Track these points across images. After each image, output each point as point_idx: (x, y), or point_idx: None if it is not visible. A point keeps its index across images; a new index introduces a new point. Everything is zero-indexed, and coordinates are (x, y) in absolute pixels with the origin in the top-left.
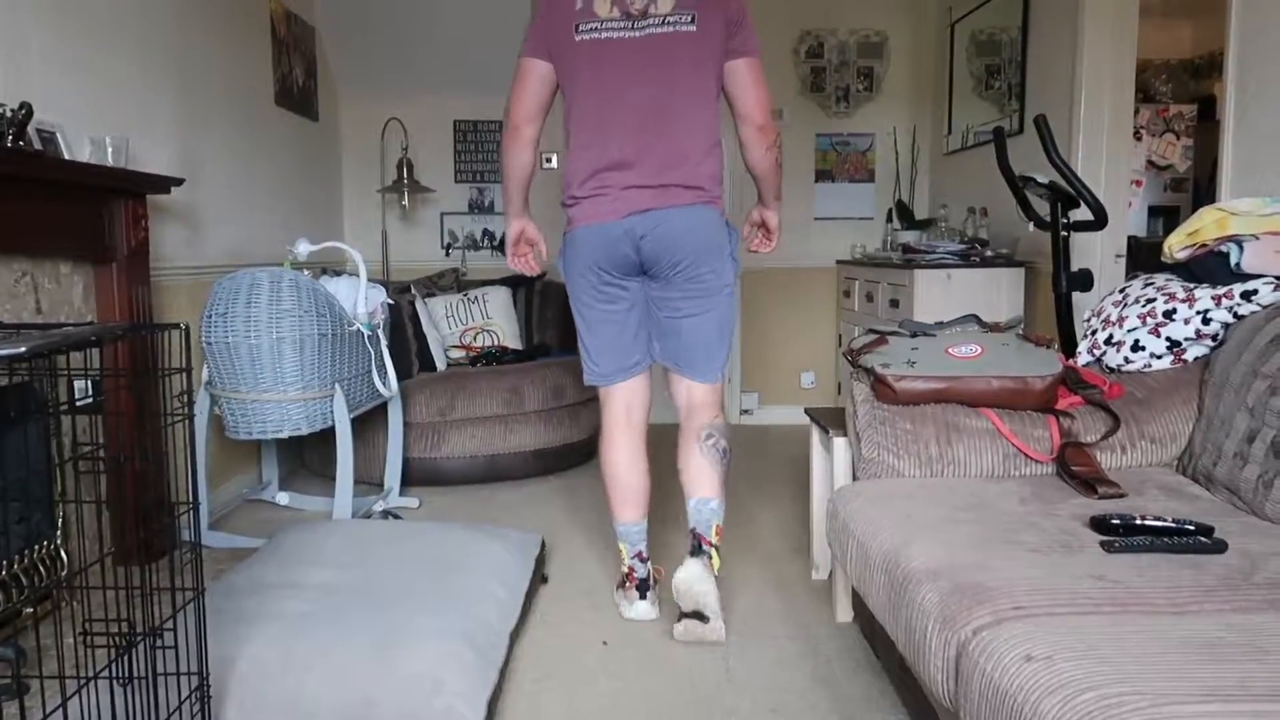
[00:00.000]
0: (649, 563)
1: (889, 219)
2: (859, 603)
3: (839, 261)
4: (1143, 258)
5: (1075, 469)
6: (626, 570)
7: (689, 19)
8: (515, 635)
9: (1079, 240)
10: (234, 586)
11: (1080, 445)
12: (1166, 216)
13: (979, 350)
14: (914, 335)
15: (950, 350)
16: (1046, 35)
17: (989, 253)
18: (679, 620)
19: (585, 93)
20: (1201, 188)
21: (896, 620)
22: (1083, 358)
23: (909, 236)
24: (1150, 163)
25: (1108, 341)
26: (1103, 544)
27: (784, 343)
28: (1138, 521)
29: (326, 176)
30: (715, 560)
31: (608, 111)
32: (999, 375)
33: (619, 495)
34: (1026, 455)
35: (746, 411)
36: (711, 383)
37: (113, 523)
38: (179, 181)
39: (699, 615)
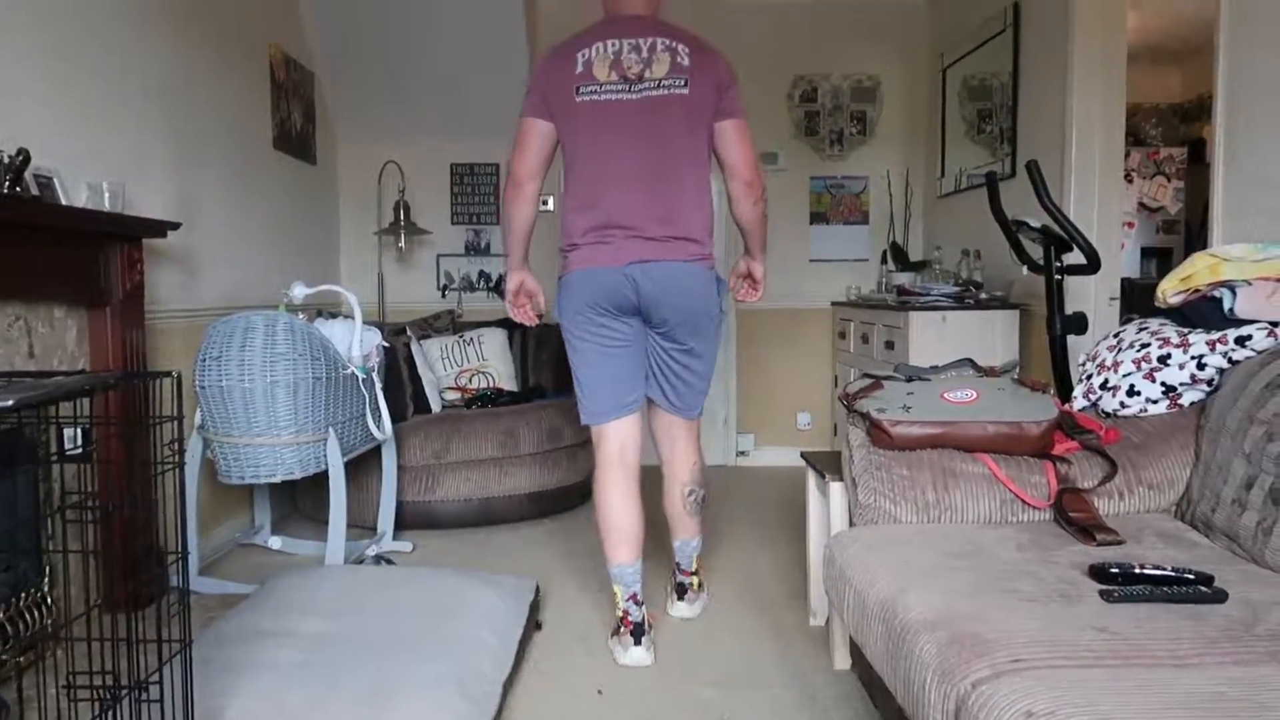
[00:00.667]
0: (644, 606)
1: (883, 261)
2: (857, 650)
3: (834, 303)
4: (1136, 300)
5: (1073, 515)
6: (621, 614)
7: (683, 83)
8: (509, 684)
9: (1073, 283)
10: (224, 634)
11: (1077, 491)
12: (1159, 258)
13: (974, 395)
14: (909, 380)
15: (946, 395)
16: (1037, 80)
17: (983, 295)
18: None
19: (585, 151)
20: (1193, 229)
21: (895, 671)
22: (1078, 402)
23: (904, 278)
24: (1142, 204)
25: (1103, 386)
26: (1102, 593)
27: (780, 384)
28: (1137, 570)
29: (324, 219)
30: (696, 581)
31: (606, 169)
32: (994, 420)
33: (612, 537)
34: (1024, 501)
35: (743, 453)
36: (693, 419)
37: (101, 571)
38: (175, 226)
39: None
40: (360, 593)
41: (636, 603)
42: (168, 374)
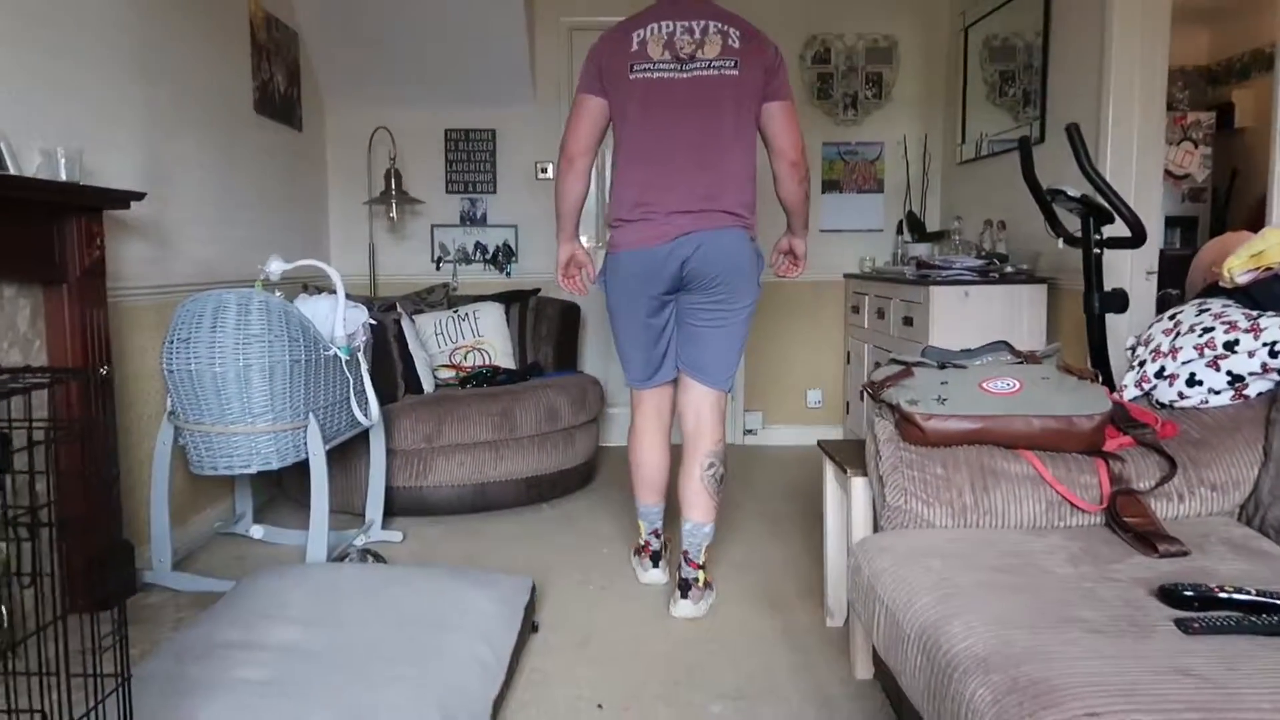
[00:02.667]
0: (663, 537)
1: (899, 231)
2: (880, 658)
3: (847, 275)
4: (1164, 272)
5: (1128, 520)
6: (644, 544)
7: (732, 64)
8: (500, 702)
9: (1106, 256)
10: (185, 647)
11: (1132, 493)
12: (1184, 228)
13: (1017, 386)
14: (942, 366)
15: (985, 385)
16: (1070, 40)
17: (1009, 268)
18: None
19: (635, 127)
20: (1220, 197)
21: (939, 712)
22: (1129, 391)
23: (921, 250)
24: (1167, 172)
25: (1159, 374)
26: (1178, 623)
27: (789, 360)
28: (1216, 593)
29: (311, 188)
30: (703, 577)
31: (656, 144)
32: (1040, 414)
33: (643, 481)
34: (1073, 505)
35: (750, 431)
36: (720, 389)
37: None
38: (139, 196)
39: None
40: (339, 597)
41: (657, 536)
42: (83, 373)
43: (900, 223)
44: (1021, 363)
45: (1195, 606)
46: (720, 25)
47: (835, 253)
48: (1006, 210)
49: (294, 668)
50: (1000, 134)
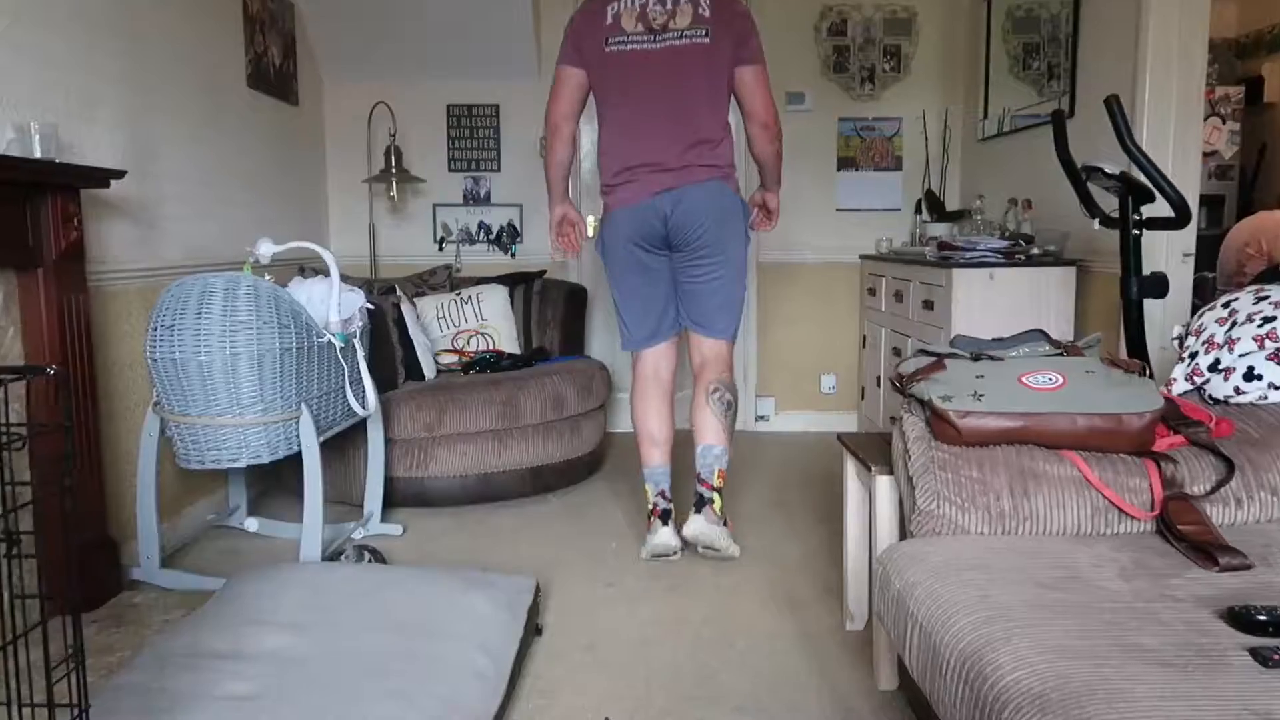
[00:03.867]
0: (670, 501)
1: (917, 211)
2: (905, 668)
3: (863, 256)
4: (1196, 254)
5: (1183, 529)
6: (652, 506)
7: (704, 32)
8: (500, 717)
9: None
10: (166, 656)
11: (1186, 498)
12: (1211, 206)
13: (1060, 380)
14: (976, 358)
15: (1024, 379)
16: (1103, 8)
17: (1035, 250)
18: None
19: (614, 96)
20: (1248, 175)
21: None
22: (1178, 385)
23: (940, 230)
24: None
25: (1213, 368)
26: (1254, 653)
27: (802, 344)
28: None
29: (308, 166)
30: (717, 502)
31: (633, 112)
32: (1086, 412)
33: (646, 442)
34: (1122, 511)
35: (762, 418)
36: (723, 339)
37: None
38: (119, 174)
39: (712, 548)
40: (330, 601)
41: (665, 497)
42: (42, 370)
43: (919, 202)
44: (1061, 354)
45: (1269, 632)
46: None
47: (850, 233)
48: (1031, 188)
49: (280, 681)
50: (1023, 109)
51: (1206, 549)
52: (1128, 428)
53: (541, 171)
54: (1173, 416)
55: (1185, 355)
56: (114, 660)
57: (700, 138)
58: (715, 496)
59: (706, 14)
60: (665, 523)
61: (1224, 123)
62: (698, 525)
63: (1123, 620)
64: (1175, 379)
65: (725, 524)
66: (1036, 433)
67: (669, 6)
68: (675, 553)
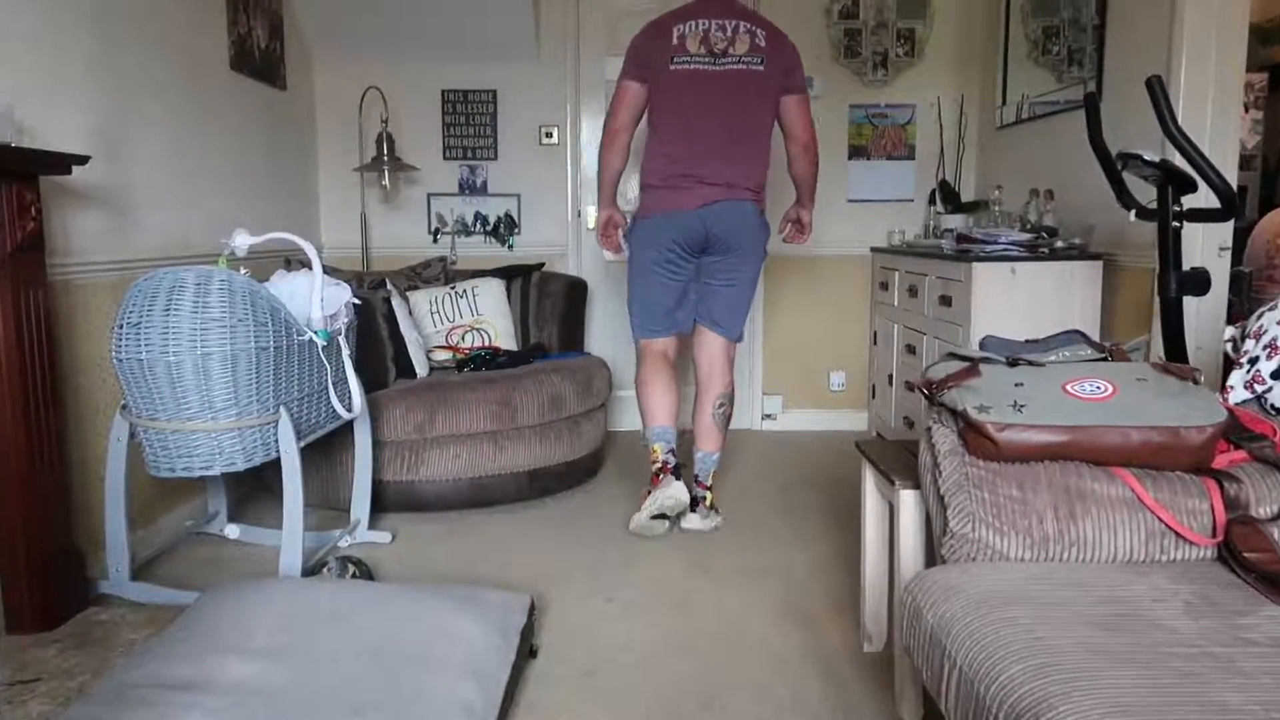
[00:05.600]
0: (678, 458)
1: (931, 202)
2: (929, 699)
3: (874, 249)
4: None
5: (1249, 556)
6: (661, 464)
7: (759, 61)
8: None
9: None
10: (124, 687)
11: (1252, 521)
12: None
13: (1109, 389)
14: (1012, 363)
15: (1069, 388)
16: None
17: (1059, 243)
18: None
19: (671, 109)
20: (1271, 165)
21: None
22: (1236, 394)
23: (955, 221)
24: None
25: (1276, 374)
26: None
27: (811, 340)
28: None
29: (297, 154)
30: (709, 499)
31: (689, 126)
32: (1140, 424)
33: (653, 409)
34: (1180, 536)
35: (769, 416)
36: (731, 339)
37: None
38: (82, 160)
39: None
40: (308, 624)
41: (673, 454)
42: None
43: (932, 193)
44: (1105, 358)
45: None
46: (749, 26)
47: (861, 225)
48: (1053, 178)
49: (243, 717)
50: (1041, 95)
51: (1277, 580)
52: (1186, 442)
53: (541, 160)
54: (1233, 429)
55: (1243, 360)
56: (74, 686)
57: (748, 159)
58: (708, 495)
59: (762, 44)
60: (677, 476)
61: (1246, 111)
62: (694, 522)
63: (1198, 670)
64: (1233, 387)
65: (713, 509)
66: (1084, 448)
67: (729, 34)
68: (684, 508)
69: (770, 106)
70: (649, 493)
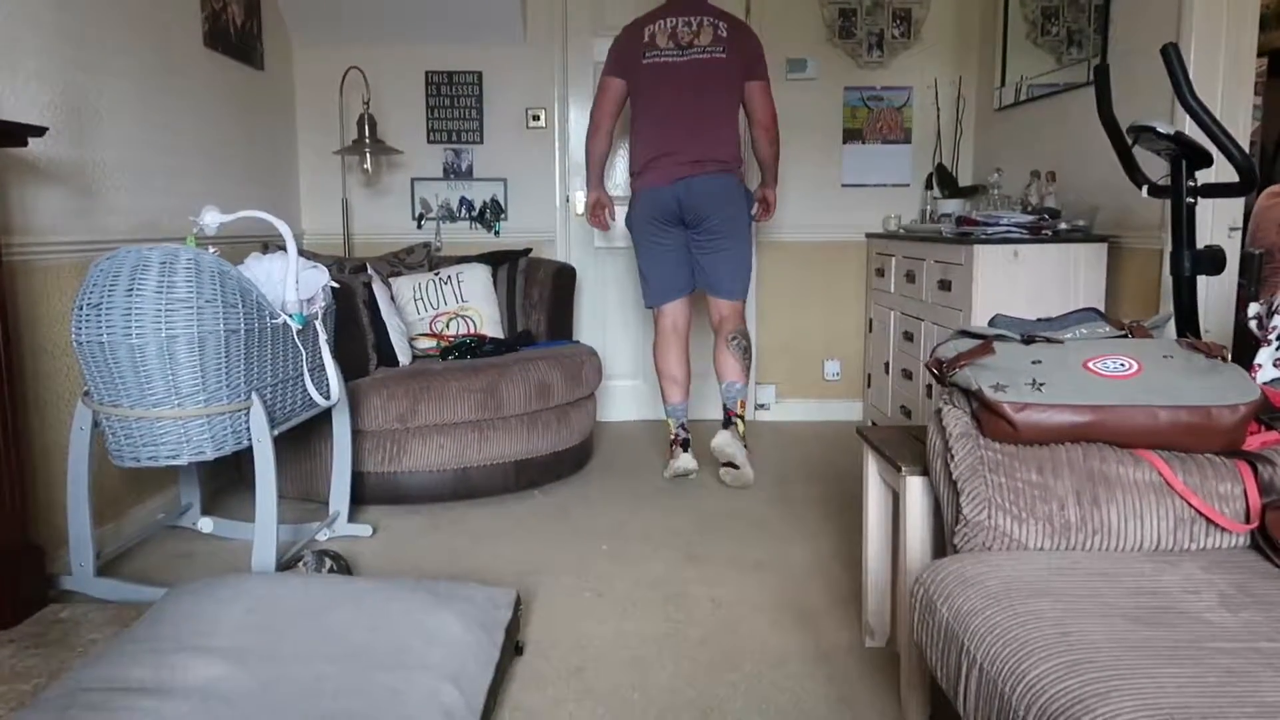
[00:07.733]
0: (689, 433)
1: (928, 186)
2: (939, 695)
3: (869, 235)
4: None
5: None
6: (674, 437)
7: (721, 50)
8: None
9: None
10: (78, 691)
11: None
12: None
13: (1134, 367)
14: (1028, 341)
15: (1091, 365)
16: None
17: (1062, 225)
18: (721, 468)
19: (646, 100)
20: (1269, 152)
21: None
22: (1265, 372)
23: (953, 206)
24: None
25: None
26: None
27: (805, 328)
28: None
29: (275, 135)
30: (740, 426)
31: (662, 112)
32: (1168, 404)
33: (668, 384)
34: (1212, 522)
35: (762, 406)
36: (734, 300)
37: None
38: (39, 131)
39: (732, 464)
40: (277, 622)
41: (685, 429)
42: None
43: (929, 177)
44: (1125, 336)
45: None
46: (712, 20)
47: (856, 210)
48: (1055, 160)
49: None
50: (1040, 76)
51: None
52: (1218, 423)
53: (528, 144)
54: (1265, 409)
55: (1272, 337)
56: (27, 689)
57: (715, 138)
58: (739, 421)
59: (724, 35)
60: (686, 449)
61: None
62: (724, 438)
63: (1245, 668)
64: (1261, 364)
65: (745, 447)
66: (1108, 429)
67: (695, 28)
68: (693, 474)
69: (734, 90)
70: (670, 447)
